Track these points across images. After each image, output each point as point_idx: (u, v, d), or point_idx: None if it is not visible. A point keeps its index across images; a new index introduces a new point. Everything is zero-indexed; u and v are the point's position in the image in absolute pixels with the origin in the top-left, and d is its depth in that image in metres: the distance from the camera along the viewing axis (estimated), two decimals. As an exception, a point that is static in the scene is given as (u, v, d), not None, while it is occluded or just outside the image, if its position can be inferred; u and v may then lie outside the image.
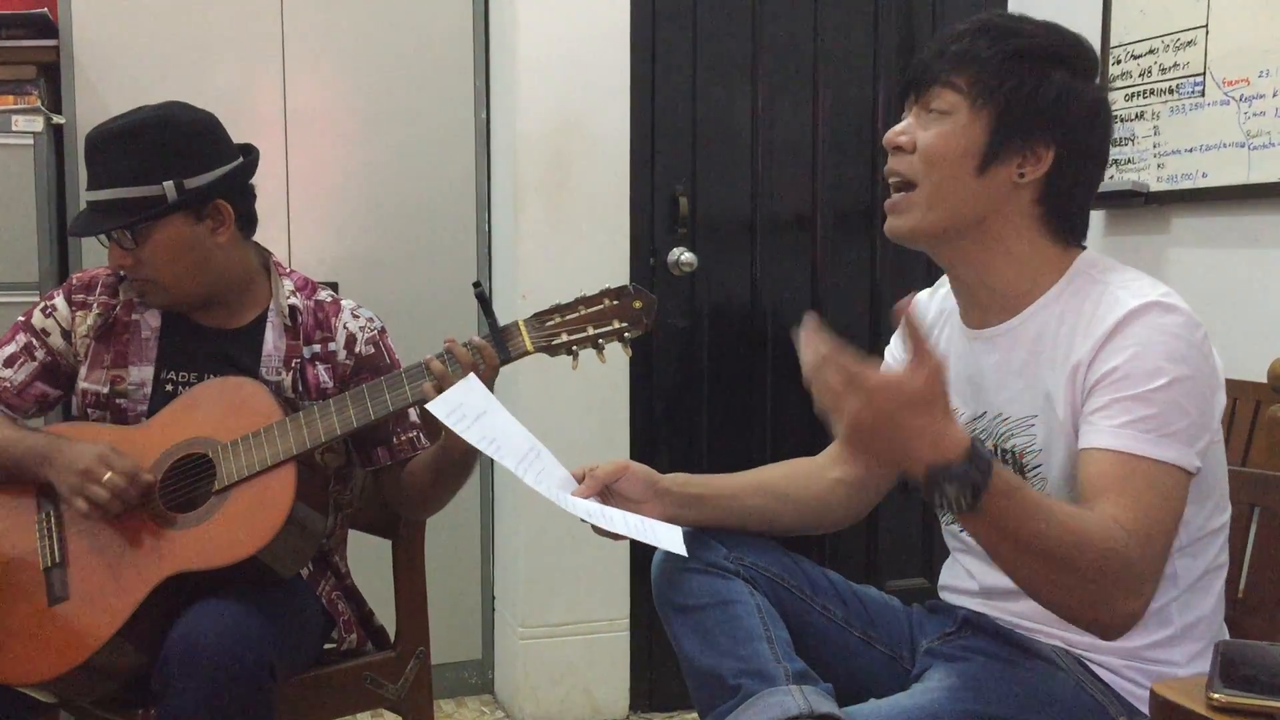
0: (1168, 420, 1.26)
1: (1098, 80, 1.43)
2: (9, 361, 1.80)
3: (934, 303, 1.60)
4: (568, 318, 1.67)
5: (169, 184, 1.71)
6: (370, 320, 1.89)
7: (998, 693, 1.36)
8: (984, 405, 1.45)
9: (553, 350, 1.68)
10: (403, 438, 1.85)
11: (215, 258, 1.78)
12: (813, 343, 1.14)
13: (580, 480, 1.53)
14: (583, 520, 1.44)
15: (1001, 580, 1.43)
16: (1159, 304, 1.30)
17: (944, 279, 1.62)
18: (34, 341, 1.80)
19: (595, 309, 1.67)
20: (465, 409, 1.48)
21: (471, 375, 1.55)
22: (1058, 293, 1.40)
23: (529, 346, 1.67)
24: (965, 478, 1.12)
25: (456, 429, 1.46)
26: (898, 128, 1.43)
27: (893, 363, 1.63)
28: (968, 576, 1.54)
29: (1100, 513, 1.23)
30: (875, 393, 1.11)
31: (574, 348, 1.68)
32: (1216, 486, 1.38)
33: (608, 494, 1.53)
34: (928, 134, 1.39)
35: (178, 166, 1.72)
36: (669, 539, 1.44)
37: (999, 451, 1.43)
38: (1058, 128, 1.37)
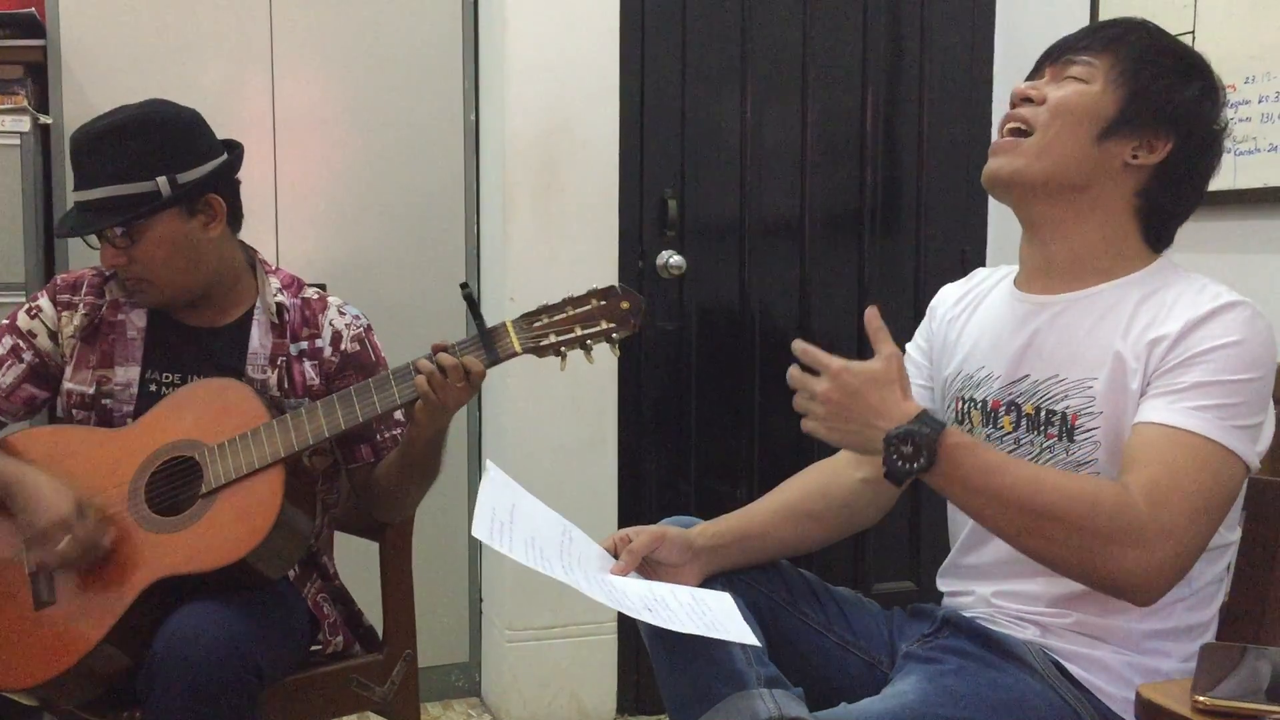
0: (1243, 413, 1.31)
1: (1223, 114, 1.47)
2: None
3: (965, 288, 1.64)
4: (555, 319, 1.67)
5: (162, 179, 1.70)
6: (356, 318, 1.89)
7: (969, 697, 1.36)
8: (1028, 368, 1.46)
9: (540, 351, 1.68)
10: (386, 435, 1.85)
11: (208, 253, 1.78)
12: (795, 350, 1.35)
13: (613, 552, 1.52)
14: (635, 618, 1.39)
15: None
16: (1254, 307, 1.36)
17: (976, 271, 1.65)
18: (21, 344, 1.80)
19: (583, 310, 1.67)
20: (498, 512, 1.43)
21: (490, 465, 1.52)
22: (1140, 279, 1.44)
23: (517, 348, 1.67)
24: (918, 435, 1.27)
25: (502, 548, 1.37)
26: (1030, 83, 1.47)
27: (914, 351, 1.66)
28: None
29: (1110, 478, 1.30)
30: (840, 372, 1.31)
31: (562, 349, 1.67)
32: (1239, 501, 1.40)
33: (645, 563, 1.52)
34: (1061, 90, 1.43)
35: (170, 162, 1.72)
36: (737, 630, 1.38)
37: (1043, 416, 1.44)
38: (1181, 128, 1.42)
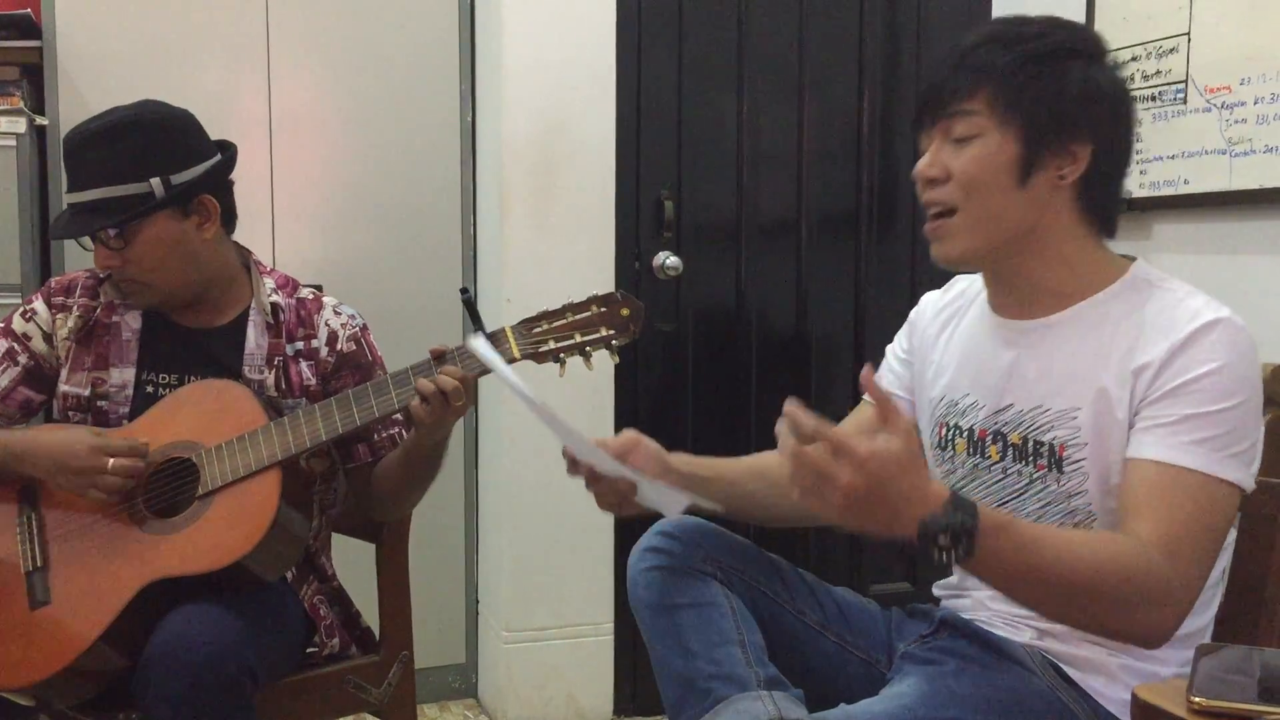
0: (1236, 440, 1.28)
1: (1110, 63, 1.41)
2: None
3: (945, 298, 1.60)
4: (555, 325, 1.67)
5: (155, 181, 1.70)
6: (352, 317, 1.89)
7: (967, 698, 1.36)
8: (1012, 397, 1.44)
9: (540, 358, 1.67)
10: (383, 435, 1.85)
11: (201, 255, 1.78)
12: (795, 421, 1.16)
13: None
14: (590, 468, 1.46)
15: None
16: (1233, 322, 1.32)
17: (955, 279, 1.63)
18: (16, 346, 1.79)
19: (583, 316, 1.67)
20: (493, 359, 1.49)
21: (480, 336, 1.53)
22: (1115, 293, 1.40)
23: (516, 354, 1.67)
24: (955, 524, 1.15)
25: (488, 358, 1.46)
26: (925, 161, 1.42)
27: (893, 359, 1.64)
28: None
29: (1126, 532, 1.27)
30: (868, 460, 1.12)
31: (561, 355, 1.67)
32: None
33: None
34: (960, 160, 1.38)
35: (163, 163, 1.72)
36: (673, 503, 1.42)
37: (1030, 446, 1.42)
38: (1088, 122, 1.37)
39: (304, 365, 1.83)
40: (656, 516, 1.61)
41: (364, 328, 1.90)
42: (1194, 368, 1.29)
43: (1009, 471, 1.45)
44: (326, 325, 1.86)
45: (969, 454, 1.49)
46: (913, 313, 1.65)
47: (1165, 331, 1.32)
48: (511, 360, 1.67)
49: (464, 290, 1.70)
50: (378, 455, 1.85)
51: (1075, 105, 1.36)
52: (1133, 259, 1.45)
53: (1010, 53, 1.36)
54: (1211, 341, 1.30)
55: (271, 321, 1.83)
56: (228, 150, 1.83)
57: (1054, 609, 1.28)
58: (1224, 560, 1.43)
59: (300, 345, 1.84)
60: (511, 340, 1.66)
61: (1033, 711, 1.35)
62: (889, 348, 1.67)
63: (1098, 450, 1.36)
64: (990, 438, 1.46)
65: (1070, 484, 1.39)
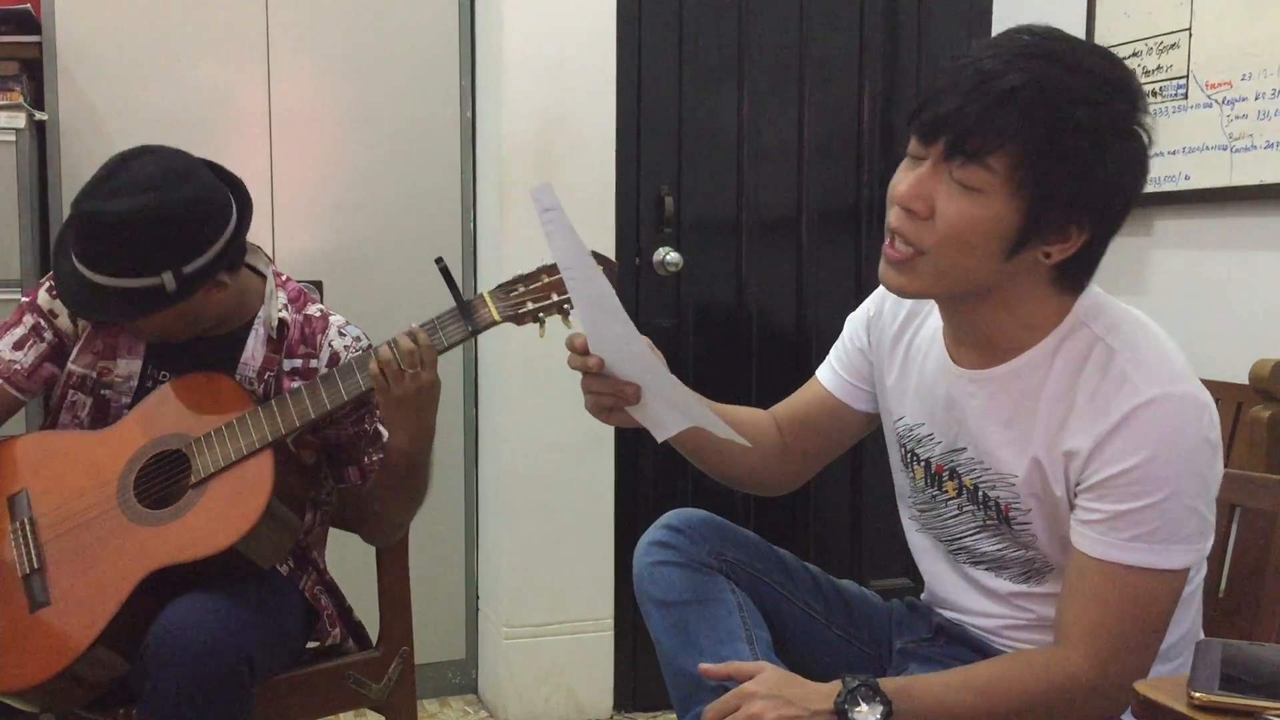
0: (1175, 528, 1.24)
1: (1144, 132, 1.24)
2: (18, 344, 1.77)
3: (904, 305, 1.50)
4: (531, 286, 1.69)
5: (167, 275, 1.66)
6: (357, 339, 1.86)
7: None
8: (965, 441, 1.40)
9: (519, 319, 1.70)
10: (374, 457, 1.85)
11: (208, 312, 1.76)
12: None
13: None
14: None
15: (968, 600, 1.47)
16: (1170, 396, 1.22)
17: None
18: (41, 322, 1.78)
19: (558, 276, 1.69)
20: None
21: (547, 187, 1.42)
22: (1054, 345, 1.31)
23: (496, 316, 1.68)
24: (863, 687, 1.24)
25: (547, 209, 1.41)
26: (911, 185, 1.25)
27: (851, 345, 1.57)
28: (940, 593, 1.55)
29: (1061, 617, 1.29)
30: (760, 666, 1.30)
31: (540, 315, 1.69)
32: None
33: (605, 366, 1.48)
34: (951, 209, 1.23)
35: (174, 257, 1.66)
36: (680, 415, 1.43)
37: (981, 495, 1.40)
38: (1098, 211, 1.24)
39: (299, 385, 1.81)
40: (658, 510, 1.61)
41: (369, 349, 1.87)
42: (1120, 461, 1.23)
43: (964, 510, 1.44)
44: (329, 346, 1.83)
45: (927, 484, 1.48)
46: (873, 304, 1.55)
47: (1096, 415, 1.25)
48: (492, 323, 1.68)
49: (439, 260, 1.70)
50: (367, 477, 1.85)
51: (1095, 194, 1.22)
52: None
53: (1054, 116, 1.18)
54: (1139, 429, 1.22)
55: (274, 336, 1.81)
56: (243, 204, 1.75)
57: None
58: (1197, 575, 1.41)
59: (298, 363, 1.82)
60: (491, 304, 1.68)
61: None
62: (846, 332, 1.59)
63: (1042, 517, 1.35)
64: (947, 474, 1.44)
65: (1024, 538, 1.38)
